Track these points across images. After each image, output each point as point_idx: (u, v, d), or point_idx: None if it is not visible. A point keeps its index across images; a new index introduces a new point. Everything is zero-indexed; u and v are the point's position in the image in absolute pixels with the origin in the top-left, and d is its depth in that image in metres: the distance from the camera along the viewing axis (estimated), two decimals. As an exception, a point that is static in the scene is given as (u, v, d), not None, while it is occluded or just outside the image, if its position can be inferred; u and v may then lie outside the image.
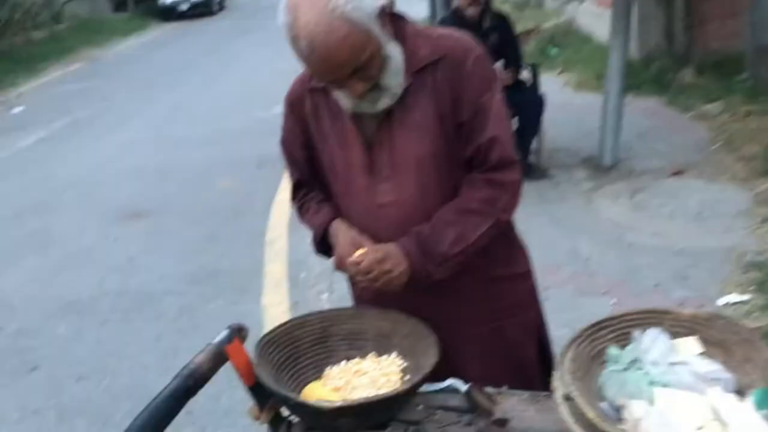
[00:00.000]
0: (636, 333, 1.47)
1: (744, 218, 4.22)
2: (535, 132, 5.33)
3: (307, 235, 1.82)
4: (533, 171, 5.31)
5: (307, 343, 1.67)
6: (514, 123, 5.06)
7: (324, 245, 1.73)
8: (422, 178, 1.60)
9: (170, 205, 5.92)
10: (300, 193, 1.82)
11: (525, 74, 5.53)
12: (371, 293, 1.73)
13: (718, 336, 1.45)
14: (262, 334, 1.60)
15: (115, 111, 10.03)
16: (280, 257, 4.65)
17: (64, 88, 12.39)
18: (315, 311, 1.75)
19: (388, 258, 1.56)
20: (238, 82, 11.17)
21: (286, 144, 1.79)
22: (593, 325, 1.48)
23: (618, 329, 1.49)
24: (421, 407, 1.51)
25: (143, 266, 4.78)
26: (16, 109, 10.96)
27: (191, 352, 1.46)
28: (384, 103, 1.56)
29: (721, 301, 3.43)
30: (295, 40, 1.45)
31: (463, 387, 1.54)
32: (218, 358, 1.47)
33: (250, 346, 1.53)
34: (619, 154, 5.39)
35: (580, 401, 1.30)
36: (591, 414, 1.28)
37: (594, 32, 8.79)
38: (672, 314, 1.50)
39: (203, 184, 6.38)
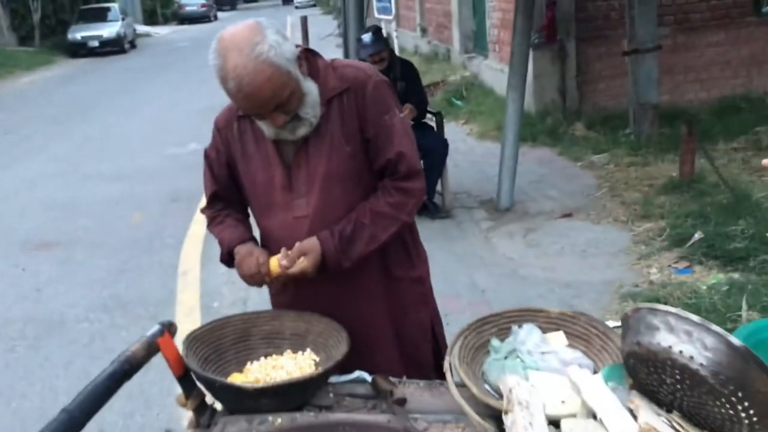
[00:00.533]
0: (514, 327, 1.75)
1: (623, 256, 4.66)
2: (440, 174, 5.66)
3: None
4: (438, 210, 5.66)
5: (230, 341, 1.86)
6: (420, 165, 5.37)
7: (231, 257, 1.93)
8: (332, 194, 1.84)
9: (80, 237, 5.88)
10: (216, 205, 2.01)
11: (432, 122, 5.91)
12: (287, 298, 1.96)
13: (581, 330, 1.76)
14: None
15: (20, 144, 9.81)
16: (192, 287, 4.72)
17: (-37, 120, 12.01)
18: (237, 313, 1.95)
19: (308, 251, 1.79)
20: (152, 120, 11.14)
21: (210, 159, 1.98)
22: (478, 321, 1.76)
23: (499, 324, 1.77)
24: (331, 395, 1.73)
25: (53, 295, 4.75)
26: None
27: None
28: (302, 131, 1.81)
29: (601, 327, 3.78)
30: (224, 81, 1.69)
31: (368, 377, 1.77)
32: (151, 348, 1.64)
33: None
34: (515, 197, 5.81)
35: (467, 381, 1.55)
36: (475, 391, 1.54)
37: (495, 86, 9.33)
38: (544, 312, 1.80)
39: (115, 217, 6.36)
